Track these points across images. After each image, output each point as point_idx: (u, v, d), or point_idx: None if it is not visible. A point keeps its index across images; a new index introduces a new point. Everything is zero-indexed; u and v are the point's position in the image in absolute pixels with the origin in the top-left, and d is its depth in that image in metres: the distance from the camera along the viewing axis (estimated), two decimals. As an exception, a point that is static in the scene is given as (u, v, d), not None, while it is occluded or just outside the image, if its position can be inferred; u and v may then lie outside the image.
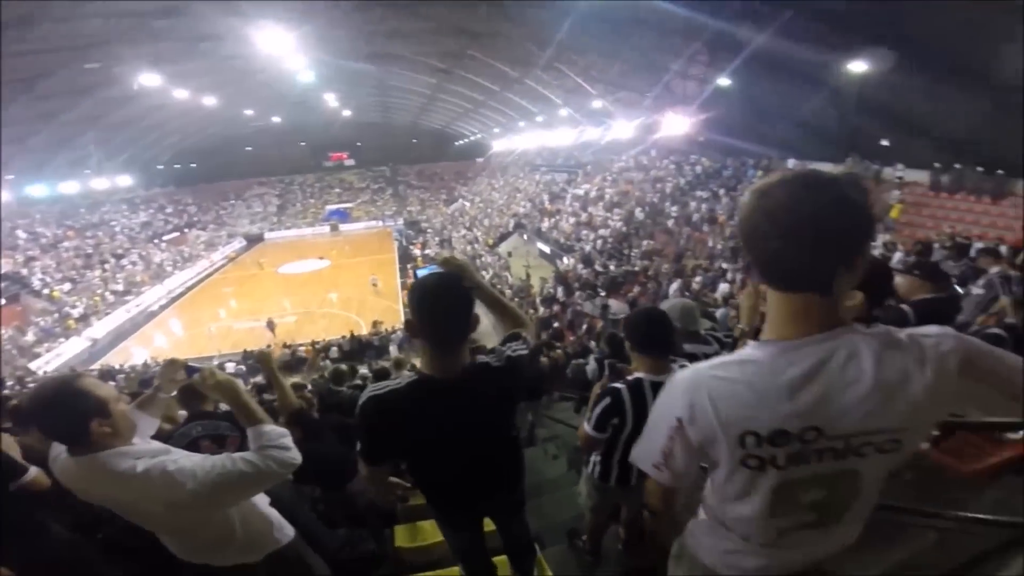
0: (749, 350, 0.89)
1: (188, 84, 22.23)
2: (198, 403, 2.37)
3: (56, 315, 21.76)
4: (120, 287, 25.97)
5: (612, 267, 17.72)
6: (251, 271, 31.08)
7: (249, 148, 44.62)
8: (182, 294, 27.66)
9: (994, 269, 4.17)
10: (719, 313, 10.10)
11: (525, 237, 27.87)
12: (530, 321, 1.67)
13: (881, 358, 0.81)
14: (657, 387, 1.85)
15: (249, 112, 33.49)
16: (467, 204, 40.44)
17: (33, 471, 1.96)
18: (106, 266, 27.79)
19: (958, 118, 10.54)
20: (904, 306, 2.49)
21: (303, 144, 46.29)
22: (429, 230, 37.85)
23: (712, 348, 2.68)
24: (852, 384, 0.81)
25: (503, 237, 29.60)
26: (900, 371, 0.81)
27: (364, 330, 18.38)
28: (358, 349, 16.64)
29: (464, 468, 1.50)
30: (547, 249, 24.30)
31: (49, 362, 17.99)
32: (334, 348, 16.23)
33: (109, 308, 23.51)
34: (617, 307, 13.89)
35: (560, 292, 17.94)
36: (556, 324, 15.77)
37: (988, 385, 0.83)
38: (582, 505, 2.39)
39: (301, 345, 16.76)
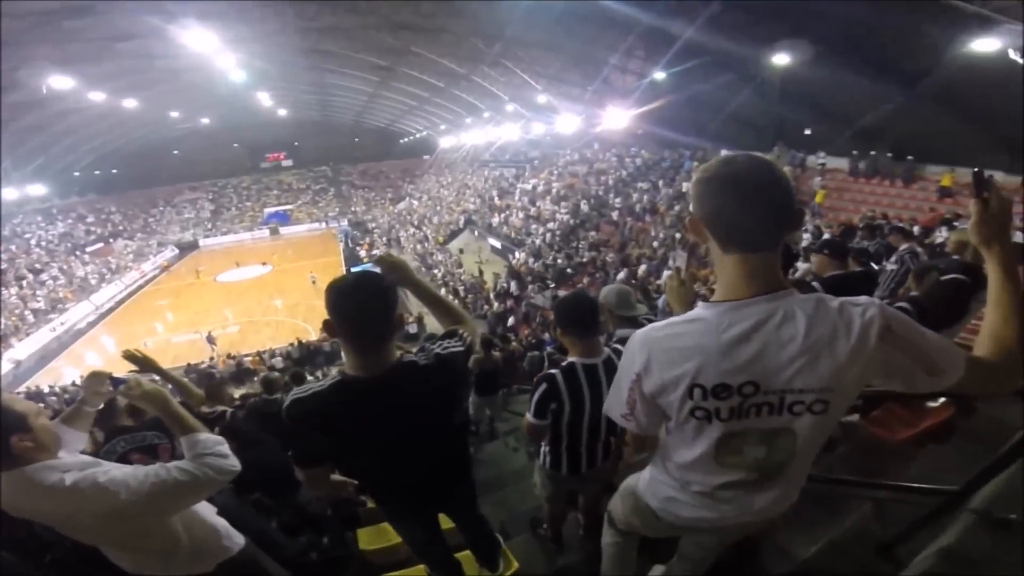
0: (699, 310, 0.98)
1: (105, 86, 20.60)
2: (113, 420, 2.25)
3: (-30, 339, 19.68)
4: (40, 304, 23.90)
5: (561, 260, 18.05)
6: (187, 280, 29.37)
7: (176, 152, 41.94)
8: (112, 309, 25.83)
9: (904, 246, 4.52)
10: (661, 301, 10.48)
11: (476, 233, 27.83)
12: (469, 318, 1.66)
13: (813, 321, 0.89)
14: (590, 370, 1.94)
15: (175, 114, 31.45)
16: (415, 202, 39.85)
17: None
18: (23, 282, 25.48)
19: (872, 108, 11.34)
20: (815, 283, 2.70)
21: (236, 145, 44.04)
22: (376, 230, 37.04)
23: None
24: (786, 343, 0.90)
25: (454, 234, 29.41)
26: (828, 334, 0.89)
27: (313, 336, 17.86)
28: (307, 356, 16.13)
29: (399, 466, 1.49)
30: (498, 244, 24.39)
31: None
32: (278, 358, 15.65)
33: (31, 328, 21.67)
34: (567, 299, 14.15)
35: (513, 286, 18.11)
36: (511, 319, 15.94)
37: (907, 357, 0.89)
38: (538, 495, 2.44)
39: (247, 355, 16.06)
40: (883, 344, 0.88)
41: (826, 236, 4.92)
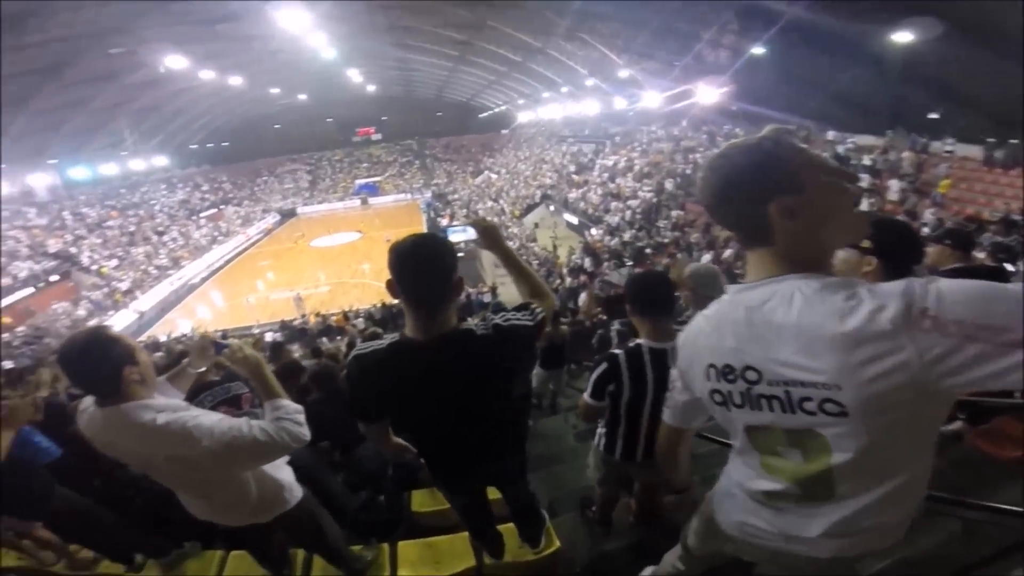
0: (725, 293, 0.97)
1: (213, 65, 22.48)
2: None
3: (105, 289, 22.94)
4: (164, 262, 27.12)
5: (641, 238, 17.40)
6: (286, 245, 31.86)
7: (278, 126, 45.22)
8: (221, 267, 28.63)
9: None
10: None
11: (552, 208, 27.54)
12: (550, 294, 1.59)
13: (811, 301, 0.79)
14: (656, 354, 1.82)
15: (275, 91, 33.77)
16: (493, 176, 40.12)
17: None
18: (149, 243, 29.01)
19: (1013, 90, 9.71)
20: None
21: (330, 120, 46.56)
22: (456, 202, 37.81)
23: None
24: (779, 326, 0.81)
25: (530, 208, 29.32)
26: (825, 315, 0.76)
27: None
28: (388, 317, 17.01)
29: (446, 433, 1.49)
30: (574, 220, 23.97)
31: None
32: (360, 318, 16.62)
33: (154, 282, 24.61)
34: (643, 279, 13.68)
35: (588, 263, 17.79)
36: (583, 294, 15.69)
37: (972, 347, 0.65)
38: (590, 477, 2.39)
39: (334, 314, 17.28)
40: (912, 330, 0.69)
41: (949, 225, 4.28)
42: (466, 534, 2.30)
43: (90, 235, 27.39)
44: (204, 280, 26.44)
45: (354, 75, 31.67)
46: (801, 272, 0.83)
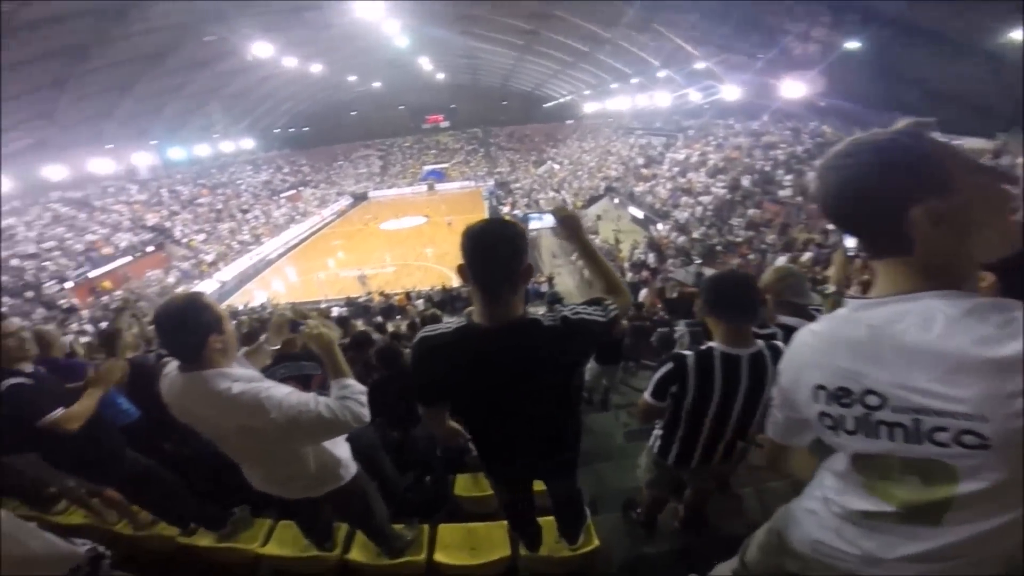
0: (840, 308, 0.89)
1: (296, 52, 23.64)
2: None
3: (193, 260, 25.12)
4: (246, 237, 29.22)
5: (711, 236, 16.59)
6: (357, 226, 33.28)
7: (354, 113, 46.98)
8: (296, 245, 30.42)
9: None
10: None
11: (616, 201, 26.87)
12: (626, 292, 1.54)
13: (956, 324, 0.71)
14: (728, 360, 1.69)
15: (352, 78, 35.02)
16: (556, 166, 39.69)
17: (60, 411, 2.12)
18: (234, 219, 31.32)
19: None
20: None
21: (402, 108, 47.75)
22: (518, 191, 37.84)
23: None
24: (914, 350, 0.73)
25: (593, 200, 28.79)
26: (975, 340, 0.68)
27: (455, 283, 19.15)
28: (447, 300, 17.35)
29: (505, 423, 1.47)
30: (640, 214, 23.26)
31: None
32: (420, 300, 17.06)
33: (236, 255, 26.61)
34: (713, 277, 13.04)
35: (651, 258, 17.23)
36: (644, 291, 15.24)
37: None
38: (639, 478, 2.28)
39: (397, 294, 17.90)
40: None
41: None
42: (505, 523, 2.28)
43: (183, 211, 29.94)
44: (280, 256, 28.24)
45: (424, 63, 32.30)
46: (941, 288, 0.75)
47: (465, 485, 2.94)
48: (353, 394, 1.54)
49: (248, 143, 38.30)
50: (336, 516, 2.30)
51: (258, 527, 2.56)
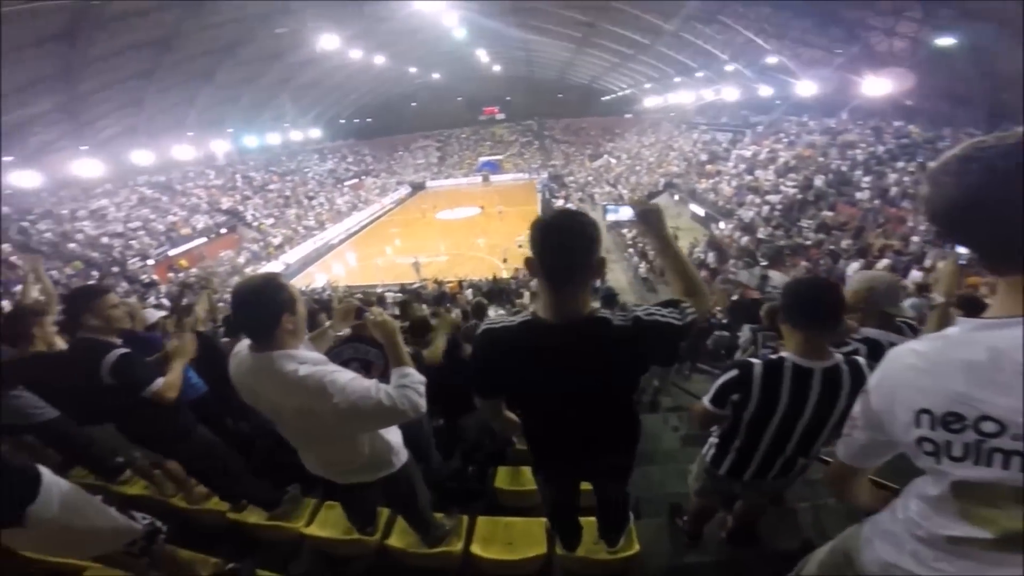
0: (951, 327, 0.82)
1: (361, 45, 24.37)
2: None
3: (262, 243, 26.63)
4: (311, 223, 30.65)
5: (778, 237, 15.69)
6: (414, 215, 34.13)
7: (414, 104, 47.99)
8: (357, 231, 31.64)
9: None
10: (908, 303, 8.33)
11: (676, 198, 25.99)
12: (707, 295, 1.45)
13: None
14: (800, 372, 1.54)
15: (413, 70, 35.71)
16: (613, 160, 38.87)
17: (161, 381, 2.20)
18: (300, 205, 32.92)
19: None
20: None
21: (459, 99, 48.32)
22: (572, 184, 37.37)
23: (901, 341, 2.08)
24: None
25: (651, 196, 27.88)
26: None
27: (505, 274, 19.30)
28: (496, 291, 17.44)
29: (562, 421, 1.43)
30: (700, 212, 22.38)
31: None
32: (470, 289, 17.24)
33: (301, 239, 27.98)
34: (779, 279, 12.34)
35: (711, 258, 16.54)
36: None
37: None
38: (689, 485, 2.16)
39: (449, 282, 18.21)
40: None
41: None
42: (543, 520, 2.23)
43: (254, 196, 31.81)
44: (342, 241, 29.48)
45: (482, 55, 32.48)
46: None
47: (506, 478, 2.90)
48: (413, 383, 1.54)
49: (316, 132, 40.07)
50: (381, 501, 2.31)
51: (304, 507, 2.62)
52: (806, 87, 17.95)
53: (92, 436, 2.86)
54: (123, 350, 2.15)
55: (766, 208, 18.03)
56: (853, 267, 11.66)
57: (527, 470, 2.92)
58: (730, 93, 23.93)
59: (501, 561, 2.16)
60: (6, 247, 17.32)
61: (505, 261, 21.38)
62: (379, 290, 16.69)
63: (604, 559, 2.07)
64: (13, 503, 1.52)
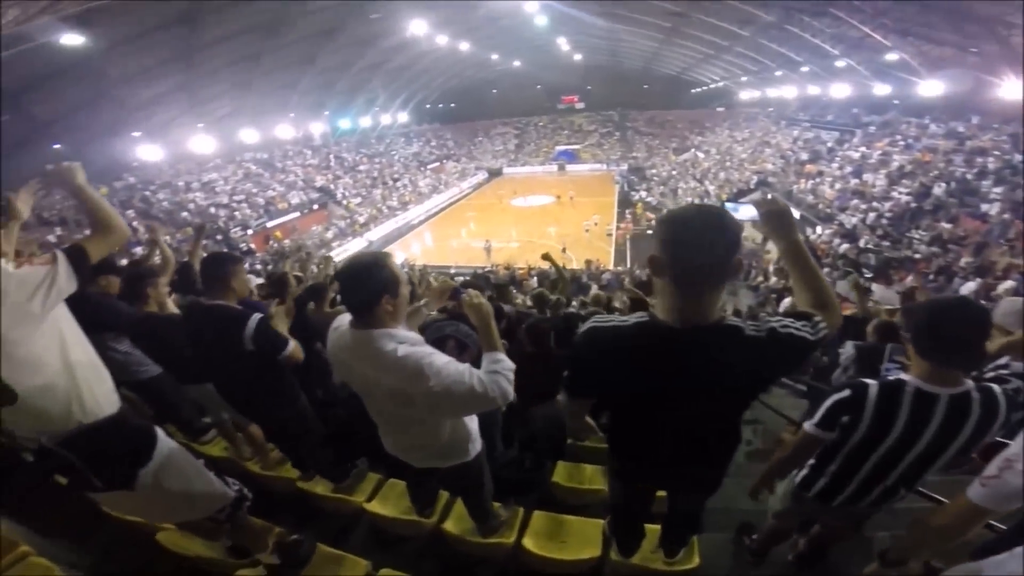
0: None
1: (447, 30, 24.80)
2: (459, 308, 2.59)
3: (348, 220, 28.22)
4: (394, 203, 32.09)
5: (884, 248, 14.21)
6: (490, 200, 34.61)
7: (495, 91, 48.04)
8: (436, 213, 32.68)
9: None
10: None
11: (769, 197, 24.20)
12: (837, 308, 1.28)
13: None
14: (923, 399, 1.35)
15: (495, 56, 35.77)
16: (700, 155, 36.89)
17: (292, 344, 2.24)
18: (386, 186, 34.48)
19: None
20: None
21: (539, 87, 47.76)
22: (654, 177, 35.99)
23: None
24: None
25: (741, 194, 26.30)
26: None
27: (575, 265, 19.11)
28: (554, 283, 17.21)
29: (663, 429, 1.34)
30: (796, 214, 20.69)
31: (339, 254, 23.51)
32: (535, 278, 17.18)
33: (384, 219, 29.42)
34: (882, 294, 11.17)
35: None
36: (788, 298, 13.70)
37: None
38: (768, 504, 1.98)
39: (519, 268, 18.32)
40: None
41: None
42: (600, 521, 2.16)
43: (345, 175, 33.69)
44: (421, 222, 30.60)
45: (562, 43, 32.02)
46: None
47: (564, 473, 2.83)
48: (504, 370, 1.51)
49: (403, 116, 41.60)
50: (445, 485, 2.31)
51: (368, 480, 2.67)
52: (931, 87, 16.06)
53: (186, 396, 3.00)
54: (259, 315, 2.20)
55: (872, 215, 16.40)
56: (969, 287, 10.38)
57: (588, 468, 2.85)
58: (839, 90, 21.84)
59: (552, 559, 2.10)
60: (130, 213, 19.65)
61: (564, 250, 21.13)
62: (452, 271, 17.12)
63: (661, 569, 1.97)
64: (129, 463, 1.50)
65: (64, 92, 15.83)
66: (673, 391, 1.22)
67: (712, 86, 38.87)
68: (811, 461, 1.70)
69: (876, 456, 1.47)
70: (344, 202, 30.32)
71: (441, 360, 1.47)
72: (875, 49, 17.26)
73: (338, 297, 3.66)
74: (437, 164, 42.52)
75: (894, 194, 16.78)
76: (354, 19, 21.11)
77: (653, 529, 2.00)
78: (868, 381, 1.44)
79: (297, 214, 27.06)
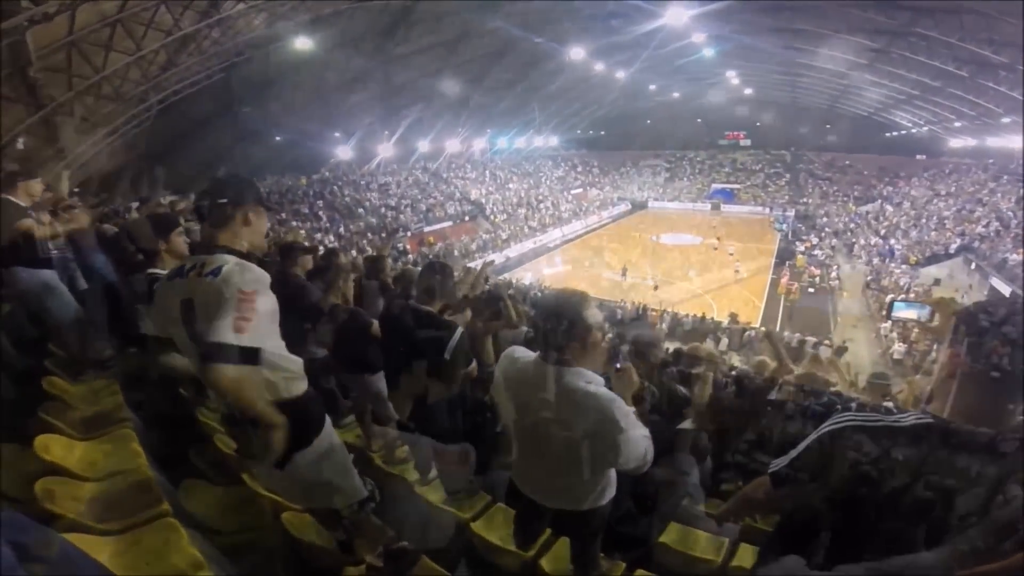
0: None
1: (605, 59, 25.06)
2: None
3: (492, 234, 29.90)
4: (535, 224, 33.23)
5: None
6: (630, 232, 33.89)
7: (648, 121, 46.44)
8: (572, 239, 33.02)
9: None
10: None
11: (973, 266, 20.10)
12: None
13: None
14: None
15: (652, 87, 35.00)
16: (889, 207, 31.92)
17: (475, 363, 2.41)
18: (530, 207, 35.92)
19: None
20: None
21: (699, 121, 45.31)
22: (826, 228, 31.96)
23: None
24: None
25: (935, 258, 22.24)
26: None
27: (715, 314, 17.97)
28: (699, 329, 16.15)
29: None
30: (1005, 289, 16.86)
31: (478, 266, 24.99)
32: (665, 324, 16.32)
33: (524, 237, 30.66)
34: None
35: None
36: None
37: None
38: None
39: (653, 309, 17.68)
40: None
41: None
42: None
43: (495, 192, 35.79)
44: (557, 246, 31.21)
45: (731, 77, 30.56)
46: None
47: (674, 535, 2.56)
48: (648, 436, 1.53)
49: (553, 140, 42.86)
50: (561, 527, 2.14)
51: (478, 499, 2.61)
52: None
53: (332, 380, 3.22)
54: (461, 328, 2.37)
55: None
56: None
57: (703, 536, 2.55)
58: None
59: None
60: (319, 203, 23.15)
61: (656, 288, 19.88)
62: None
63: None
64: (291, 445, 1.48)
65: (291, 92, 18.72)
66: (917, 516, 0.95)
67: (913, 130, 33.39)
68: None
69: None
70: (491, 217, 32.15)
71: (628, 408, 1.50)
72: None
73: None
74: (580, 191, 42.93)
75: None
76: (522, 41, 22.19)
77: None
78: None
79: (449, 223, 29.38)
